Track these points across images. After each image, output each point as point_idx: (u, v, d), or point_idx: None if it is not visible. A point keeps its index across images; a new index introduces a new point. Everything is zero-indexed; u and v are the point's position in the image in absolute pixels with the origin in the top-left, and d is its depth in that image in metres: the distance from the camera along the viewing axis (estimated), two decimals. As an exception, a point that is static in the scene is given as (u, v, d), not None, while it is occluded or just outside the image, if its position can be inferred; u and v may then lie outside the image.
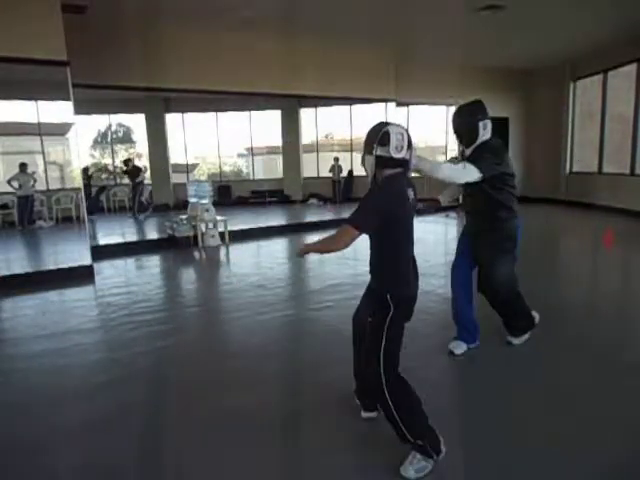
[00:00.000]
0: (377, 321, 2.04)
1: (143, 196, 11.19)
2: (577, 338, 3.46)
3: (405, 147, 1.99)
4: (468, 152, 2.97)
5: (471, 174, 2.78)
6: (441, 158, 13.56)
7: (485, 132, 2.91)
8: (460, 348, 3.19)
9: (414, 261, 2.14)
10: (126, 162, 11.44)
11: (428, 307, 4.16)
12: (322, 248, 2.17)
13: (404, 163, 2.03)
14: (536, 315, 3.38)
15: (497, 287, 3.07)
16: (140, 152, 14.44)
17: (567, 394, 2.68)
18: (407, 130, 2.04)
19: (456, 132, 3.03)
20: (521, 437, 2.28)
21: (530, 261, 6.05)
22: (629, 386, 2.75)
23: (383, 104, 10.67)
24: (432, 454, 1.98)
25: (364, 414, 2.41)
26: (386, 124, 2.03)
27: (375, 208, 1.97)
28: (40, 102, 10.38)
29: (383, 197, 1.98)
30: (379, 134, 1.99)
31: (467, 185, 3.01)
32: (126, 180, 12.01)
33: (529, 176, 12.44)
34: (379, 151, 1.99)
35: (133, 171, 11.08)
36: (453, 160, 12.36)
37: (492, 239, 3.01)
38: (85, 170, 10.62)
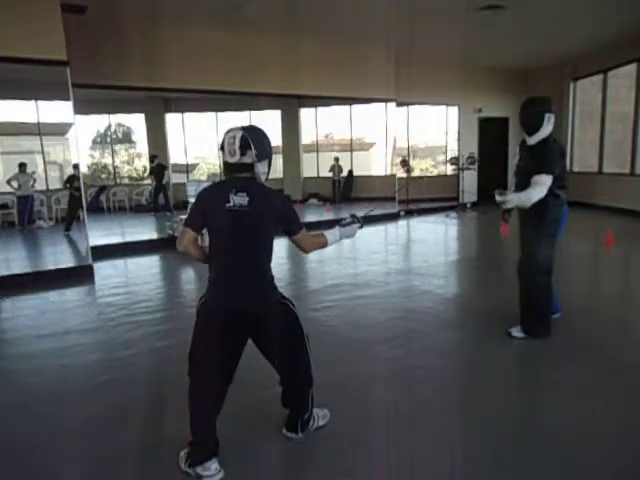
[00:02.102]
0: None
1: (168, 197, 11.14)
2: (577, 338, 3.45)
3: (237, 151, 1.94)
4: (532, 142, 3.19)
5: (547, 181, 3.03)
6: (441, 158, 13.57)
7: (548, 124, 3.14)
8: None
9: (243, 273, 2.03)
10: (152, 158, 11.33)
11: (427, 307, 4.17)
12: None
13: (242, 167, 1.98)
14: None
15: (534, 269, 3.24)
16: (140, 152, 14.43)
17: (567, 394, 2.68)
18: (251, 131, 1.98)
19: (522, 120, 3.23)
20: (521, 437, 2.28)
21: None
22: (630, 386, 2.75)
23: (383, 104, 10.67)
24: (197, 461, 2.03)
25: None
26: (229, 129, 2.00)
27: (195, 209, 2.03)
28: (40, 102, 10.36)
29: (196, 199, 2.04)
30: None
31: (520, 178, 3.28)
32: (126, 181, 11.99)
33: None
34: (222, 157, 2.03)
35: (157, 169, 11.01)
36: (453, 160, 12.38)
37: (537, 222, 3.21)
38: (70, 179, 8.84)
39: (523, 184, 3.20)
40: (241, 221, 1.94)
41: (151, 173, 11.30)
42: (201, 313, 2.09)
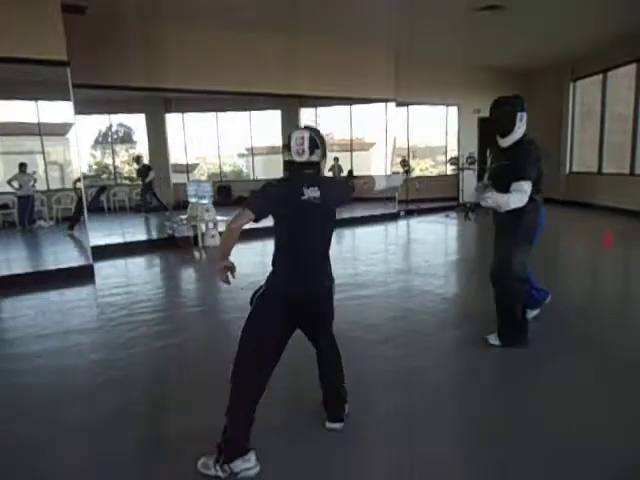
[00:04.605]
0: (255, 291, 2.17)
1: (157, 195, 11.19)
2: (577, 338, 3.46)
3: (306, 150, 2.07)
4: (505, 144, 3.07)
5: (527, 188, 2.94)
6: (441, 158, 13.57)
7: (521, 124, 3.02)
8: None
9: (314, 259, 2.16)
10: (137, 159, 11.39)
11: (427, 307, 4.17)
12: (225, 238, 2.10)
13: (309, 166, 2.10)
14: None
15: (509, 276, 3.16)
16: (140, 152, 14.44)
17: (567, 394, 2.68)
18: (314, 131, 2.11)
19: (494, 121, 3.11)
20: (521, 438, 2.28)
21: (529, 261, 6.05)
22: (630, 386, 2.75)
23: (383, 104, 10.66)
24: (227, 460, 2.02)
25: (328, 425, 2.36)
26: (295, 129, 2.11)
27: (263, 199, 2.07)
28: (40, 102, 10.37)
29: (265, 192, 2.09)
30: (287, 139, 2.12)
31: (494, 181, 3.17)
32: (126, 181, 12.01)
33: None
34: (286, 156, 2.14)
35: (143, 170, 11.07)
36: (453, 160, 12.36)
37: (513, 228, 3.12)
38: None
39: (499, 189, 3.08)
40: (315, 212, 2.08)
41: (138, 175, 11.31)
42: (265, 301, 2.11)
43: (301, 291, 2.13)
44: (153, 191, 11.18)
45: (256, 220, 2.03)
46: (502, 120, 3.04)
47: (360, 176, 2.42)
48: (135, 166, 11.32)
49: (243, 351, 2.10)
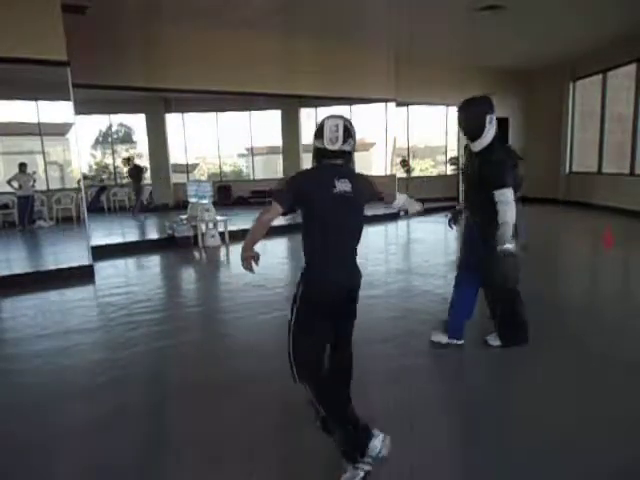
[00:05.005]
0: (293, 295, 2.07)
1: (144, 196, 11.19)
2: (577, 338, 3.46)
3: (340, 138, 1.99)
4: (476, 148, 2.93)
5: (510, 194, 2.79)
6: (440, 158, 13.57)
7: (491, 127, 2.87)
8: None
9: (345, 254, 2.10)
10: (127, 161, 11.38)
11: (427, 307, 4.17)
12: (255, 231, 2.04)
13: (341, 155, 2.03)
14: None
15: (502, 283, 3.00)
16: (140, 152, 14.44)
17: (567, 394, 2.69)
18: (347, 121, 2.04)
19: (461, 124, 2.97)
20: (521, 437, 2.28)
21: (529, 261, 6.05)
22: (629, 386, 2.75)
23: (383, 104, 10.67)
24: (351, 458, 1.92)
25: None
26: (328, 117, 2.04)
27: (291, 192, 1.98)
28: (40, 102, 10.38)
29: (295, 180, 2.02)
30: (318, 126, 2.03)
31: (468, 185, 3.05)
32: (126, 180, 12.02)
33: (529, 176, 12.38)
34: (316, 143, 2.04)
35: (133, 171, 11.06)
36: (453, 160, 12.35)
37: (494, 234, 2.95)
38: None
39: (474, 195, 3.02)
40: (346, 205, 1.99)
41: (130, 176, 11.28)
42: (308, 301, 2.02)
43: (341, 288, 2.06)
44: (140, 194, 11.10)
45: (284, 214, 1.98)
46: (470, 123, 2.89)
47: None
48: (126, 168, 11.31)
49: (302, 355, 2.03)
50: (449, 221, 3.32)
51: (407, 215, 2.64)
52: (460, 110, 2.96)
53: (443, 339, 3.28)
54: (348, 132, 2.02)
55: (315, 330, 2.03)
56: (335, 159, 2.03)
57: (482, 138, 2.88)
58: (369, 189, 2.17)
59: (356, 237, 2.12)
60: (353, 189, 2.00)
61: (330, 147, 2.00)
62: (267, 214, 1.96)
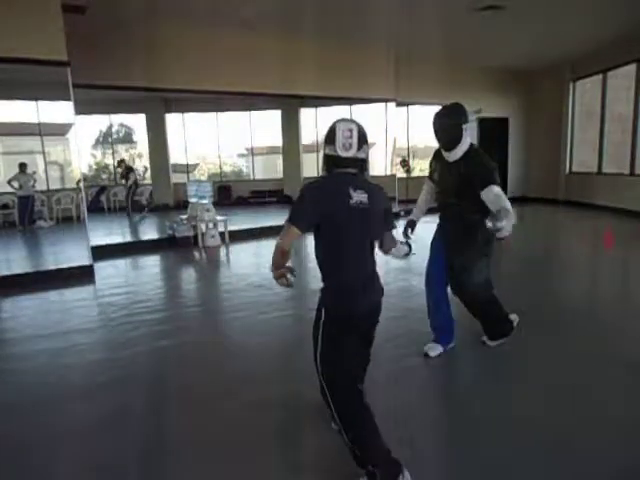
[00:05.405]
0: (314, 321, 1.94)
1: (136, 196, 11.26)
2: (576, 338, 3.46)
3: (355, 145, 1.84)
4: (453, 157, 2.88)
5: (500, 190, 2.72)
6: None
7: (467, 136, 2.85)
8: (436, 350, 3.17)
9: (367, 271, 1.96)
10: (119, 163, 11.52)
11: (426, 307, 4.16)
12: (276, 258, 1.85)
13: (355, 162, 1.88)
14: (515, 318, 3.34)
15: (474, 290, 3.05)
16: (140, 152, 14.45)
17: (567, 394, 2.68)
18: (360, 125, 1.88)
19: (438, 135, 2.90)
20: (521, 438, 2.28)
21: (529, 261, 6.05)
22: (629, 386, 2.75)
23: (383, 104, 10.66)
24: None
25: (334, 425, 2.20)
26: (340, 120, 1.87)
27: (307, 211, 1.83)
28: (40, 102, 10.38)
29: (308, 196, 1.85)
30: (328, 131, 1.86)
31: (441, 189, 3.03)
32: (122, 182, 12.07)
33: (529, 176, 12.46)
34: (327, 150, 1.88)
35: (124, 172, 11.15)
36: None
37: (471, 244, 2.96)
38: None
39: (451, 202, 2.98)
40: (363, 218, 1.85)
41: (122, 177, 11.36)
42: (332, 325, 1.87)
43: (364, 308, 1.91)
44: (131, 196, 11.12)
45: (304, 232, 1.83)
46: (447, 134, 2.83)
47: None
48: (119, 170, 11.46)
49: (340, 393, 1.88)
50: (404, 231, 3.24)
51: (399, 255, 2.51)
52: (437, 121, 2.87)
53: (439, 349, 3.19)
54: (364, 138, 1.88)
55: (345, 359, 1.87)
56: (348, 167, 1.88)
57: (458, 149, 2.83)
58: (386, 203, 2.02)
59: (373, 249, 1.99)
60: (370, 200, 1.85)
61: (343, 154, 1.85)
62: (285, 238, 1.81)
